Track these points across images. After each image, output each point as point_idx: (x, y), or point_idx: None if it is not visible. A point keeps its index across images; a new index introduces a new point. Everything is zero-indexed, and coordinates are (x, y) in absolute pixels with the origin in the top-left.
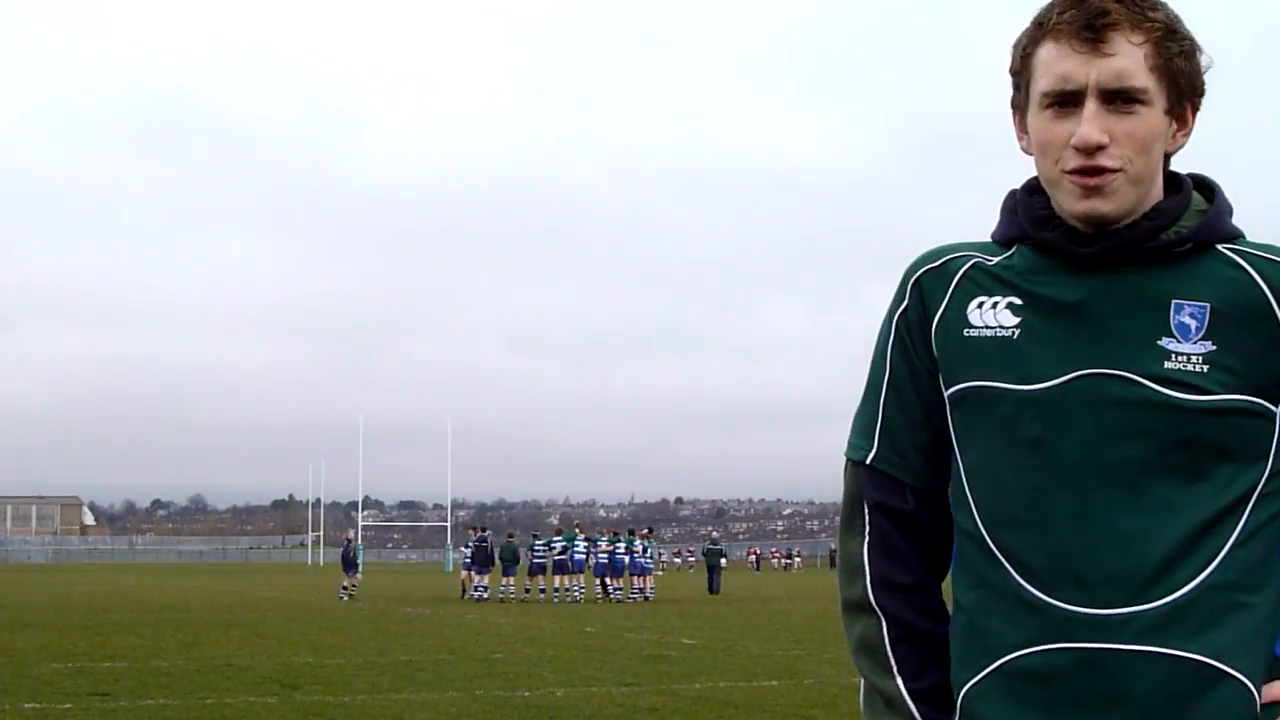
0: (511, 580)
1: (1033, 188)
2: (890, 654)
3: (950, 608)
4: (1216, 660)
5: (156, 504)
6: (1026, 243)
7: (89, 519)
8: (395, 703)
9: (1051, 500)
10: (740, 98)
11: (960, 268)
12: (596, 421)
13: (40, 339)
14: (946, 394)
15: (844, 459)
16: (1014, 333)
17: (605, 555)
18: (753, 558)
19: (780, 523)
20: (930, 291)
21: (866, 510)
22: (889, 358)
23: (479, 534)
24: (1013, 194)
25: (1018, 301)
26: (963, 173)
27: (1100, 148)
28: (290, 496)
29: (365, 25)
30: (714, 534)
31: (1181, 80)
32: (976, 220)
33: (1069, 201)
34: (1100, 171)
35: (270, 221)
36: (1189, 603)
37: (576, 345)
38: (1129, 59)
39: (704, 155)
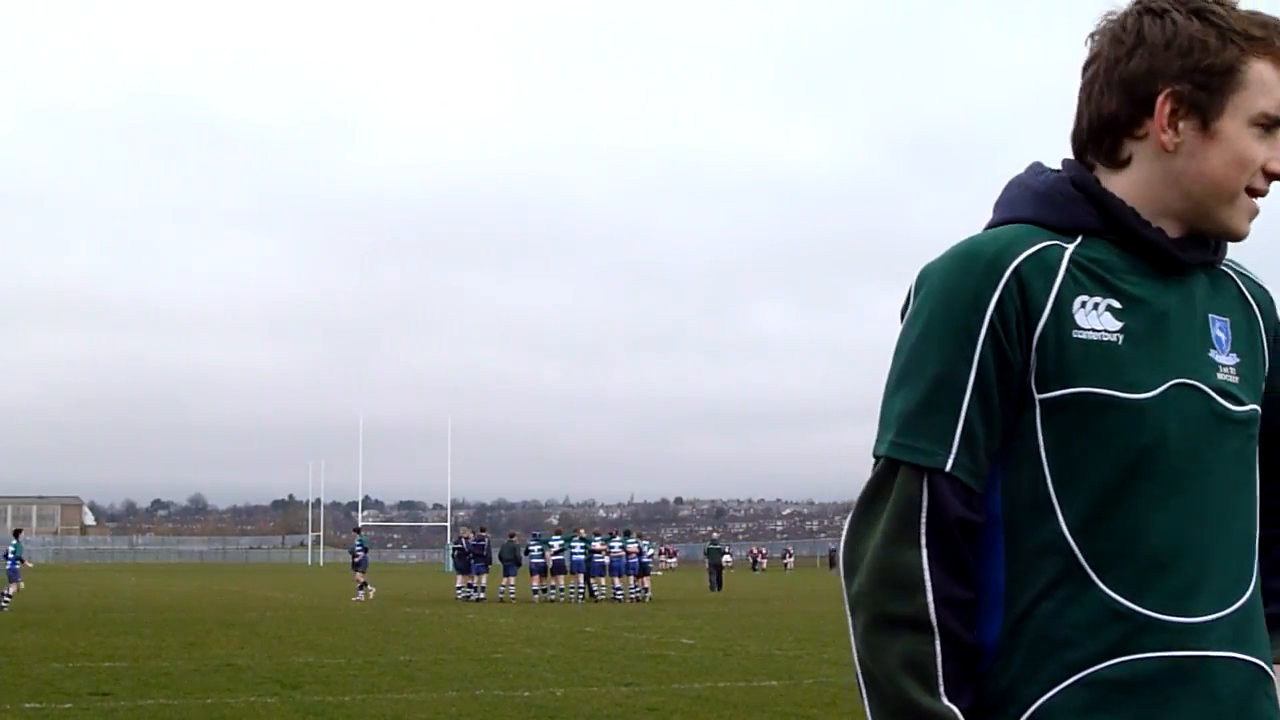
0: (512, 580)
1: (1075, 180)
2: (941, 673)
3: (1001, 616)
4: (1264, 661)
5: (156, 504)
6: (1106, 237)
7: (89, 519)
8: (395, 703)
9: (1152, 510)
10: (731, 102)
11: (1058, 258)
12: (596, 421)
13: (40, 340)
14: (1040, 397)
15: (876, 458)
16: (1118, 338)
17: (601, 556)
18: (763, 560)
19: (780, 523)
20: (1033, 283)
21: (938, 521)
22: (978, 353)
23: (476, 535)
24: (1069, 180)
25: (1117, 305)
26: (950, 174)
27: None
28: (290, 497)
29: (362, 28)
30: (715, 534)
31: None
32: (968, 220)
33: (1236, 218)
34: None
35: (270, 223)
36: (1250, 607)
37: (576, 346)
38: None
39: (696, 159)
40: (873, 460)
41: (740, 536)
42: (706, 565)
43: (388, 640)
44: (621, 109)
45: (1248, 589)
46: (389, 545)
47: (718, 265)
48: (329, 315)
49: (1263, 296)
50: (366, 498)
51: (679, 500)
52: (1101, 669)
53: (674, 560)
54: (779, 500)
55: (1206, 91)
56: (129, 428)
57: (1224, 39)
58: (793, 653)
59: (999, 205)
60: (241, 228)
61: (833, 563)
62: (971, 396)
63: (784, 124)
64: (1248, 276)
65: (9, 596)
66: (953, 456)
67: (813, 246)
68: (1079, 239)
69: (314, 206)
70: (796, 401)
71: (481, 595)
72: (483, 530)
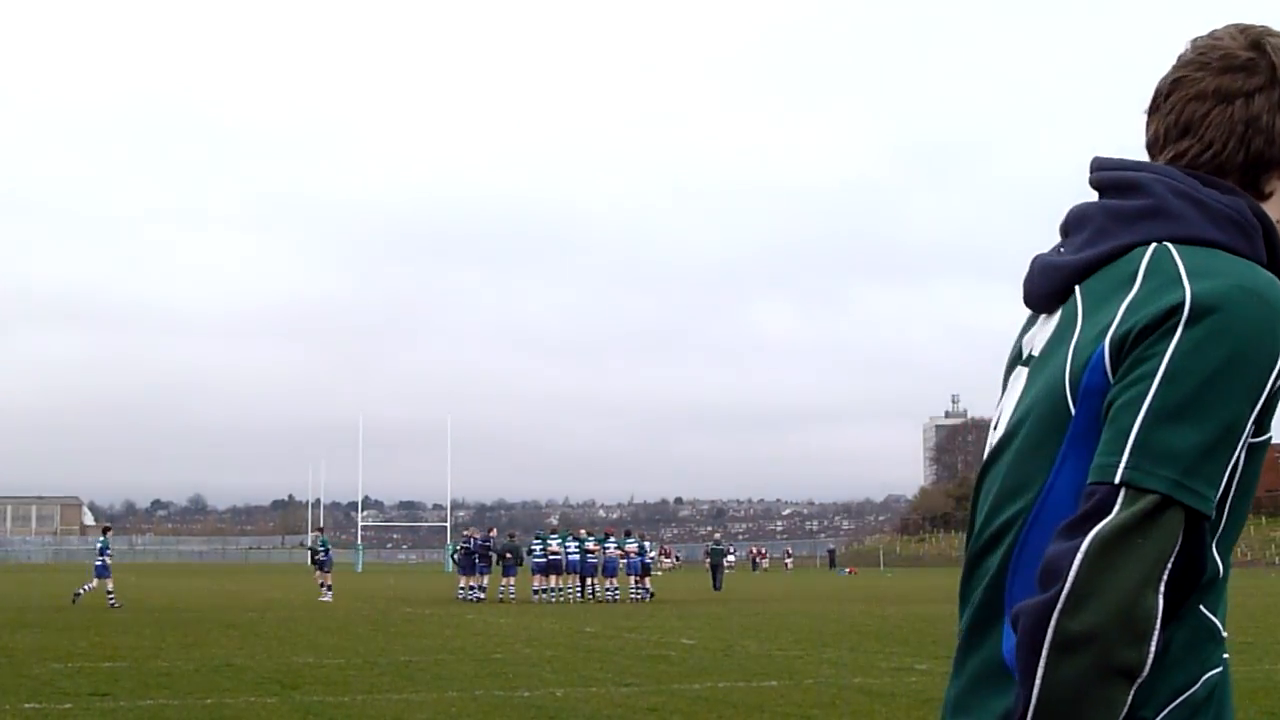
0: (512, 580)
1: (1254, 208)
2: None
3: (1201, 638)
4: None
5: (156, 504)
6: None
7: (89, 519)
8: (395, 703)
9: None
10: (729, 102)
11: None
12: (596, 422)
13: (40, 341)
14: (1251, 440)
15: (1141, 489)
16: None
17: (595, 556)
18: (764, 560)
19: (780, 523)
20: None
21: (1174, 567)
22: (1261, 407)
23: (484, 535)
24: (1249, 208)
25: None
26: (947, 174)
27: None
28: (290, 497)
29: (362, 29)
30: (717, 535)
31: None
32: (962, 221)
33: None
34: None
35: (270, 224)
36: None
37: (576, 346)
38: None
39: (695, 160)
40: (1130, 489)
41: (740, 536)
42: (708, 565)
43: (388, 640)
44: (620, 109)
45: None
46: (389, 545)
47: (717, 265)
48: (329, 316)
49: None
50: (366, 498)
51: (679, 500)
52: (1195, 690)
53: (671, 560)
54: (779, 500)
55: None
56: (129, 428)
57: None
58: (793, 653)
59: (1177, 218)
60: (242, 228)
61: (833, 563)
62: (1241, 446)
63: (782, 124)
64: None
65: (111, 593)
66: (1215, 503)
67: (811, 247)
68: None
69: (314, 207)
70: (796, 401)
71: (481, 595)
72: (491, 531)
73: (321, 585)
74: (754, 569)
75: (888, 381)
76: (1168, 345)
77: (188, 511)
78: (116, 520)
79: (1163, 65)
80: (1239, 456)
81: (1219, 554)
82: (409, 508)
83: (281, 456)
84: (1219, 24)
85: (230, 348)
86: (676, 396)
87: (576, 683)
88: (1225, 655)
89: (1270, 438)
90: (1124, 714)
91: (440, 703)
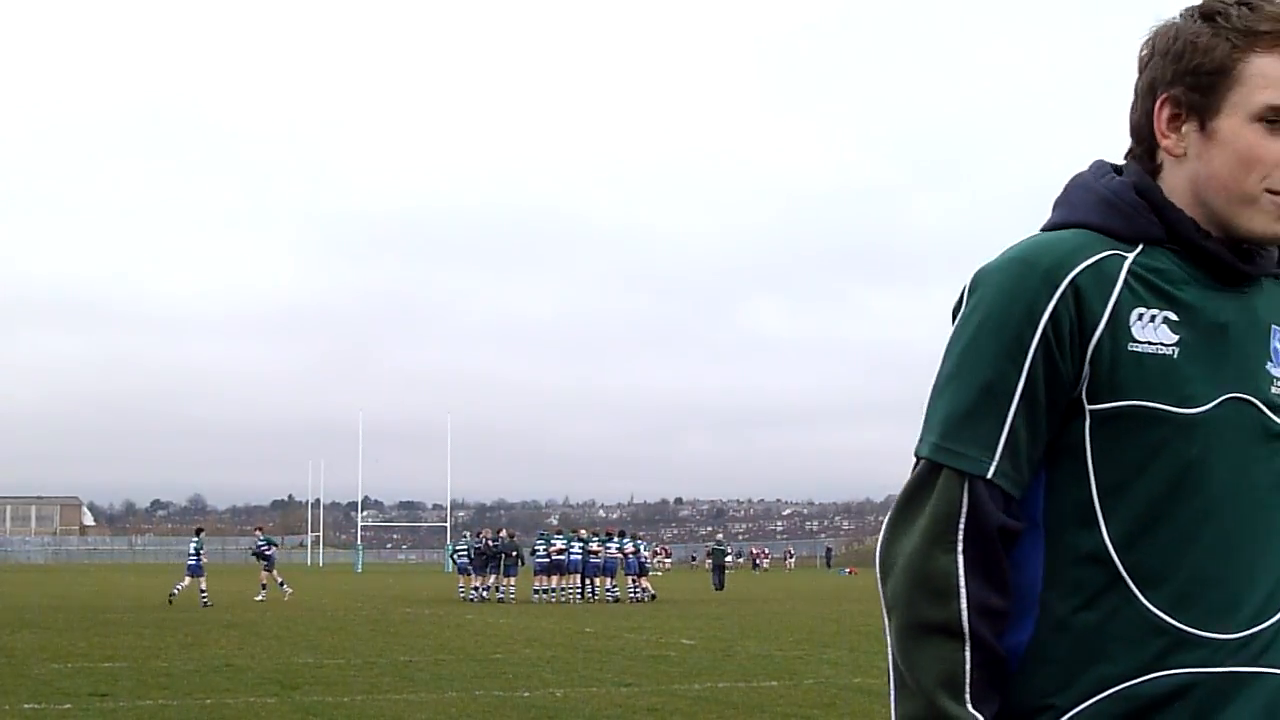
0: (512, 580)
1: (1139, 186)
2: (969, 680)
3: (1032, 626)
4: None
5: (156, 504)
6: (1168, 247)
7: (89, 519)
8: (395, 703)
9: (1198, 525)
10: (726, 102)
11: (1118, 269)
12: (596, 421)
13: (40, 340)
14: (1091, 408)
15: (917, 458)
16: (1173, 351)
17: (598, 556)
18: (766, 560)
19: (780, 523)
20: (1091, 295)
21: (977, 528)
22: (1030, 362)
23: (495, 535)
24: (1133, 187)
25: (1174, 317)
26: (944, 174)
27: None
28: (290, 497)
29: (361, 30)
30: (718, 535)
31: None
32: (963, 220)
33: (1261, 221)
34: None
35: (267, 224)
36: None
37: (576, 346)
38: None
39: (692, 160)
40: (913, 460)
41: (740, 536)
42: (710, 565)
43: (388, 640)
44: (618, 110)
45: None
46: (389, 545)
47: (718, 265)
48: (329, 315)
49: None
50: (366, 498)
51: (679, 500)
52: (1137, 684)
53: (670, 561)
54: (779, 500)
55: (1200, 92)
56: (129, 428)
57: (1219, 37)
58: (793, 653)
59: (1059, 205)
60: (241, 228)
61: (829, 563)
62: (1019, 405)
63: (778, 124)
64: None
65: (204, 591)
66: (995, 464)
67: (809, 246)
68: (1140, 248)
69: (313, 207)
70: (796, 401)
71: (500, 595)
72: (501, 531)
73: (263, 585)
74: (754, 569)
75: (887, 381)
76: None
77: (188, 511)
78: (116, 520)
79: None
80: (1080, 426)
81: (1130, 544)
82: (409, 508)
83: (281, 456)
84: None
85: (230, 348)
86: (676, 396)
87: (576, 683)
88: (1218, 669)
89: (1131, 405)
90: (981, 678)
91: (440, 703)
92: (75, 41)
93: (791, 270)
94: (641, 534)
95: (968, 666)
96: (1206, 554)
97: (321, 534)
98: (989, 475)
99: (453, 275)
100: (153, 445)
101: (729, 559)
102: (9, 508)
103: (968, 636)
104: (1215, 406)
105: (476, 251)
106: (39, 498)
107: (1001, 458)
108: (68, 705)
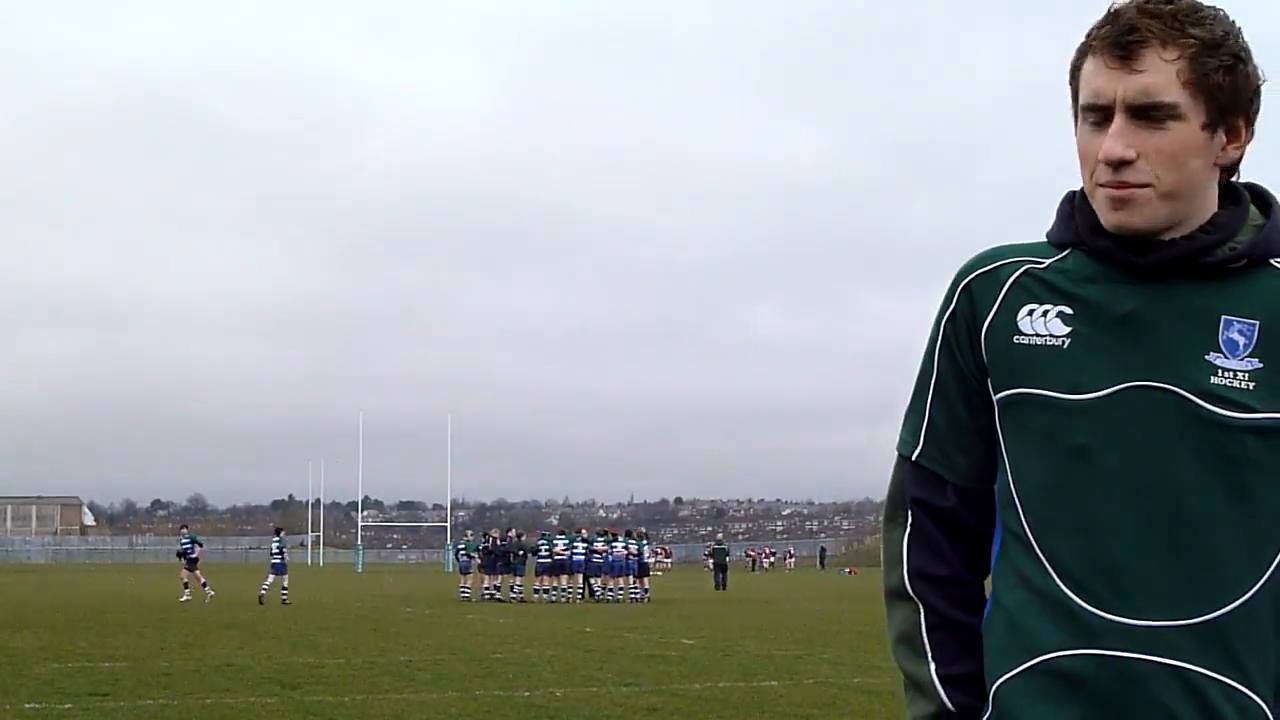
0: (519, 579)
1: (1075, 194)
2: (925, 640)
3: (990, 603)
4: (1244, 686)
5: (156, 504)
6: (1082, 248)
7: (89, 519)
8: (395, 703)
9: (1094, 510)
10: (722, 102)
11: (1012, 274)
12: (596, 421)
13: (40, 340)
14: (995, 398)
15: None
16: (1064, 342)
17: (600, 556)
18: (767, 560)
19: (780, 523)
20: (980, 297)
21: (908, 504)
22: (936, 360)
23: (504, 535)
24: (1071, 196)
25: (1069, 310)
26: (940, 174)
27: (1126, 162)
28: (290, 497)
29: (359, 29)
30: (719, 535)
31: (1220, 94)
32: (957, 220)
33: (1102, 213)
34: (1126, 185)
35: (269, 223)
36: (1225, 624)
37: (576, 346)
38: (1158, 75)
39: (690, 160)
40: None
41: (740, 536)
42: (710, 565)
43: (388, 640)
44: (616, 110)
45: (1232, 602)
46: (389, 545)
47: (717, 265)
48: (328, 315)
49: None
50: (366, 498)
51: (679, 500)
52: (1051, 659)
53: (669, 561)
54: (779, 500)
55: (1073, 100)
56: (129, 428)
57: (1078, 49)
58: (793, 653)
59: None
60: (240, 228)
61: (822, 563)
62: (933, 397)
63: (775, 124)
64: None
65: (285, 589)
66: (920, 447)
67: (807, 246)
68: (1067, 251)
69: (313, 206)
70: (795, 401)
71: (512, 595)
72: (510, 530)
73: (185, 585)
74: (754, 569)
75: (887, 381)
76: None
77: (188, 511)
78: (116, 520)
79: None
80: (996, 417)
81: (1040, 526)
82: (409, 508)
83: (281, 456)
84: None
85: (230, 348)
86: (676, 396)
87: (576, 683)
88: (1128, 654)
89: (1020, 392)
90: (942, 639)
91: (440, 703)
92: (75, 41)
93: (791, 270)
94: (643, 533)
95: (921, 626)
96: (1114, 541)
97: (322, 534)
98: (914, 457)
99: (452, 275)
100: (153, 445)
101: (744, 558)
102: (9, 508)
103: (915, 599)
104: (1111, 394)
105: (476, 251)
106: (39, 498)
107: (925, 442)
108: (68, 705)
